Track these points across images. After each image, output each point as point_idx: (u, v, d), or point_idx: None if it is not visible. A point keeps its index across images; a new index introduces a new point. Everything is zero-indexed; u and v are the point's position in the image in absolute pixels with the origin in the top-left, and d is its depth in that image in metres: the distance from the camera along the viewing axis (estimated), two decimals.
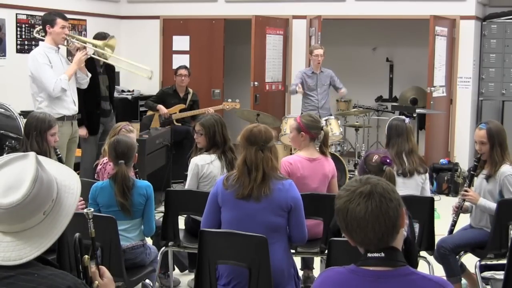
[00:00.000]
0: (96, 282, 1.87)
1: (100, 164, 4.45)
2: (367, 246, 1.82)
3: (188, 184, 4.16)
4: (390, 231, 1.78)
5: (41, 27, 5.89)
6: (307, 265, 4.56)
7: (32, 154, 1.71)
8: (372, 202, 1.77)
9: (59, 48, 5.69)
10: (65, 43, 5.70)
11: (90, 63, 6.07)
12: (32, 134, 4.03)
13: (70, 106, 5.62)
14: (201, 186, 4.16)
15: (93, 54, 6.06)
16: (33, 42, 7.38)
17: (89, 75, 5.85)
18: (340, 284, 1.83)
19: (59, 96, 5.47)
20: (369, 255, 1.81)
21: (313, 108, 7.53)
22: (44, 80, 5.41)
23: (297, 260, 4.28)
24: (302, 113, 7.50)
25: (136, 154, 3.91)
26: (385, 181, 1.84)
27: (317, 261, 4.54)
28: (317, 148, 4.30)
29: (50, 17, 5.62)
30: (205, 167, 4.14)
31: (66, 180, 1.80)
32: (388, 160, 3.30)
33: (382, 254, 1.79)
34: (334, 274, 1.88)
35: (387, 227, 1.77)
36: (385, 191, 1.79)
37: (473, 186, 4.27)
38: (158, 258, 3.97)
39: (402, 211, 1.82)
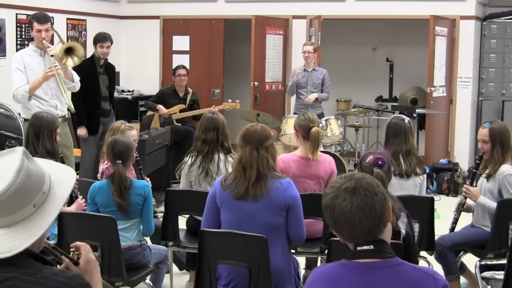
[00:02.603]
0: None
1: (105, 164, 4.43)
2: (356, 240, 1.85)
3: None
4: (377, 223, 1.82)
5: None
6: (310, 265, 4.55)
7: (20, 149, 1.71)
8: (357, 196, 1.81)
9: (45, 52, 5.34)
10: (45, 46, 5.29)
11: (91, 63, 6.06)
12: (43, 134, 4.00)
13: (51, 110, 5.24)
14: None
15: (89, 57, 5.99)
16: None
17: (76, 79, 5.53)
18: (332, 279, 1.85)
19: (27, 101, 5.25)
20: (359, 248, 1.84)
21: (303, 106, 7.44)
22: (12, 84, 5.25)
23: (302, 260, 4.29)
24: (294, 111, 7.52)
25: (134, 154, 3.90)
26: (369, 176, 1.89)
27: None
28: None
29: (30, 20, 5.38)
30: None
31: (61, 175, 1.80)
32: (380, 162, 3.29)
33: (371, 247, 1.83)
34: (325, 269, 1.92)
35: (373, 219, 1.81)
36: (370, 185, 1.83)
37: (475, 184, 4.28)
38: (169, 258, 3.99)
39: (388, 205, 1.86)
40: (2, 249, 1.63)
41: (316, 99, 7.45)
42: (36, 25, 5.27)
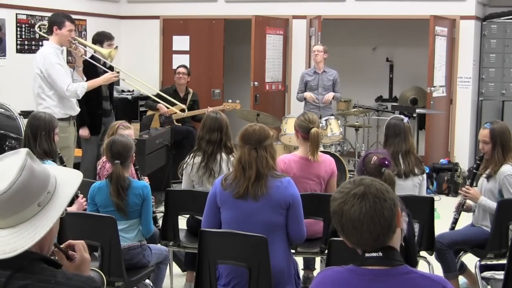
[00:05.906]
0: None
1: (99, 164, 4.45)
2: (364, 247, 1.82)
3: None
4: (385, 231, 1.78)
5: (43, 22, 5.93)
6: (308, 265, 4.56)
7: (24, 150, 1.71)
8: (366, 203, 1.77)
9: (63, 49, 5.74)
10: (70, 46, 5.68)
11: (91, 64, 6.05)
12: (41, 134, 3.99)
13: (75, 107, 5.71)
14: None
15: (91, 57, 6.05)
16: (33, 42, 7.38)
17: (85, 78, 5.82)
18: (339, 283, 1.83)
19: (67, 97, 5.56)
20: (367, 255, 1.81)
21: (314, 107, 7.53)
22: (58, 80, 5.44)
23: (299, 260, 4.30)
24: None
25: (133, 154, 3.89)
26: (378, 182, 1.84)
27: (317, 261, 4.54)
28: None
29: (58, 19, 5.63)
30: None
31: (67, 175, 1.80)
32: (386, 162, 3.28)
33: (380, 254, 1.80)
34: (333, 273, 1.88)
35: (382, 227, 1.77)
36: (379, 192, 1.79)
37: (476, 185, 4.28)
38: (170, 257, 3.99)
39: (397, 211, 1.82)
40: (6, 249, 1.62)
41: (333, 98, 7.53)
42: (69, 25, 5.61)
